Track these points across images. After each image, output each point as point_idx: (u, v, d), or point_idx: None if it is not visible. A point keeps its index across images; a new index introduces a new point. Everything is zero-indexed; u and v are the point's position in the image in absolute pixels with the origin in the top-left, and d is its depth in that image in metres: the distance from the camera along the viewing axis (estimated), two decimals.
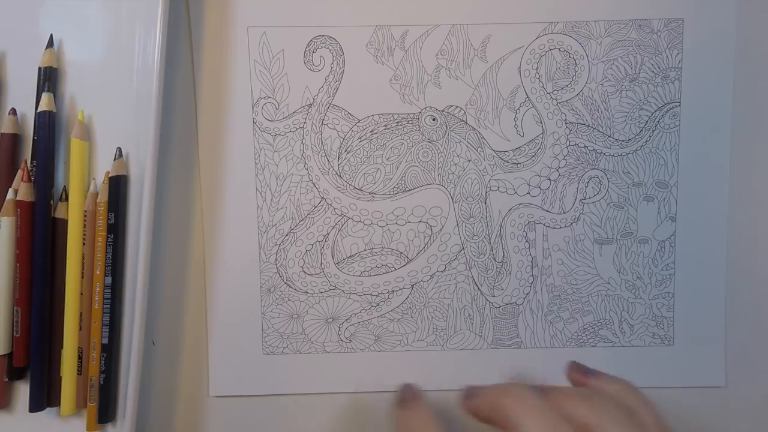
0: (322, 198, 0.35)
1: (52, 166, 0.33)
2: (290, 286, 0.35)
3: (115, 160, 0.33)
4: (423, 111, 0.35)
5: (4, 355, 0.33)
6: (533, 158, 0.35)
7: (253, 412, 0.36)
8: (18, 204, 0.32)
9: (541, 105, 0.34)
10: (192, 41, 0.34)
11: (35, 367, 0.33)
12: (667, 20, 0.34)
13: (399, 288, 0.35)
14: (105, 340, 0.33)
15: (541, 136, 0.35)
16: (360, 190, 0.35)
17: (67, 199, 0.33)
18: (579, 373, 0.31)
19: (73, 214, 0.33)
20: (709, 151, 0.35)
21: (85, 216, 0.33)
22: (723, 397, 0.36)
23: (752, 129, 0.35)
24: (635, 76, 0.34)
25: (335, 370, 0.36)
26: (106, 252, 0.33)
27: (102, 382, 0.33)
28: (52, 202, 0.33)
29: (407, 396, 0.32)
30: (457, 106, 0.34)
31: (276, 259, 0.35)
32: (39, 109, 0.33)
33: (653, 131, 0.35)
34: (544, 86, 0.34)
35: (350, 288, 0.35)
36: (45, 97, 0.33)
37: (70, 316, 0.33)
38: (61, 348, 0.33)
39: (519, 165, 0.35)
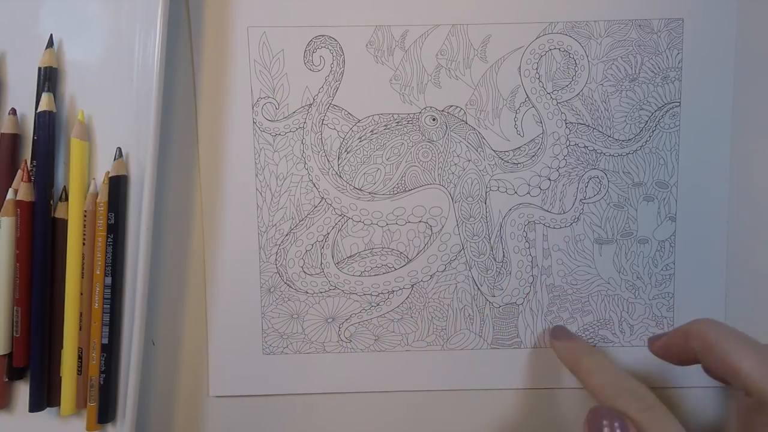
0: (322, 198, 0.35)
1: (52, 166, 0.33)
2: (290, 286, 0.35)
3: (115, 160, 0.33)
4: (423, 111, 0.35)
5: (4, 355, 0.33)
6: (533, 158, 0.35)
7: (253, 412, 0.36)
8: (18, 204, 0.32)
9: (541, 105, 0.34)
10: (192, 41, 0.34)
11: (35, 367, 0.33)
12: (667, 20, 0.34)
13: (399, 288, 0.35)
14: (105, 340, 0.33)
15: (541, 136, 0.35)
16: (360, 190, 0.35)
17: (67, 199, 0.33)
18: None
19: (73, 214, 0.33)
20: (709, 151, 0.35)
21: (85, 216, 0.33)
22: (723, 397, 0.36)
23: (752, 129, 0.35)
24: (635, 76, 0.34)
25: (335, 370, 0.36)
26: (106, 252, 0.33)
27: (102, 382, 0.33)
28: (52, 202, 0.33)
29: (562, 332, 0.35)
30: (457, 106, 0.34)
31: (276, 259, 0.35)
32: (39, 109, 0.33)
33: (653, 131, 0.35)
34: (544, 86, 0.34)
35: (350, 288, 0.35)
36: (45, 97, 0.33)
37: (70, 316, 0.33)
38: (61, 348, 0.33)
39: (519, 165, 0.35)
